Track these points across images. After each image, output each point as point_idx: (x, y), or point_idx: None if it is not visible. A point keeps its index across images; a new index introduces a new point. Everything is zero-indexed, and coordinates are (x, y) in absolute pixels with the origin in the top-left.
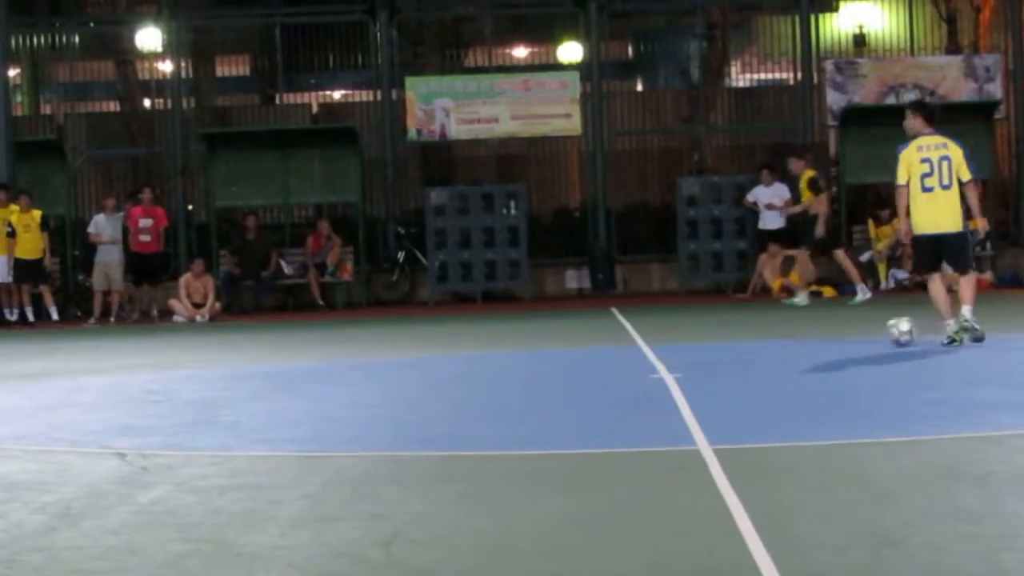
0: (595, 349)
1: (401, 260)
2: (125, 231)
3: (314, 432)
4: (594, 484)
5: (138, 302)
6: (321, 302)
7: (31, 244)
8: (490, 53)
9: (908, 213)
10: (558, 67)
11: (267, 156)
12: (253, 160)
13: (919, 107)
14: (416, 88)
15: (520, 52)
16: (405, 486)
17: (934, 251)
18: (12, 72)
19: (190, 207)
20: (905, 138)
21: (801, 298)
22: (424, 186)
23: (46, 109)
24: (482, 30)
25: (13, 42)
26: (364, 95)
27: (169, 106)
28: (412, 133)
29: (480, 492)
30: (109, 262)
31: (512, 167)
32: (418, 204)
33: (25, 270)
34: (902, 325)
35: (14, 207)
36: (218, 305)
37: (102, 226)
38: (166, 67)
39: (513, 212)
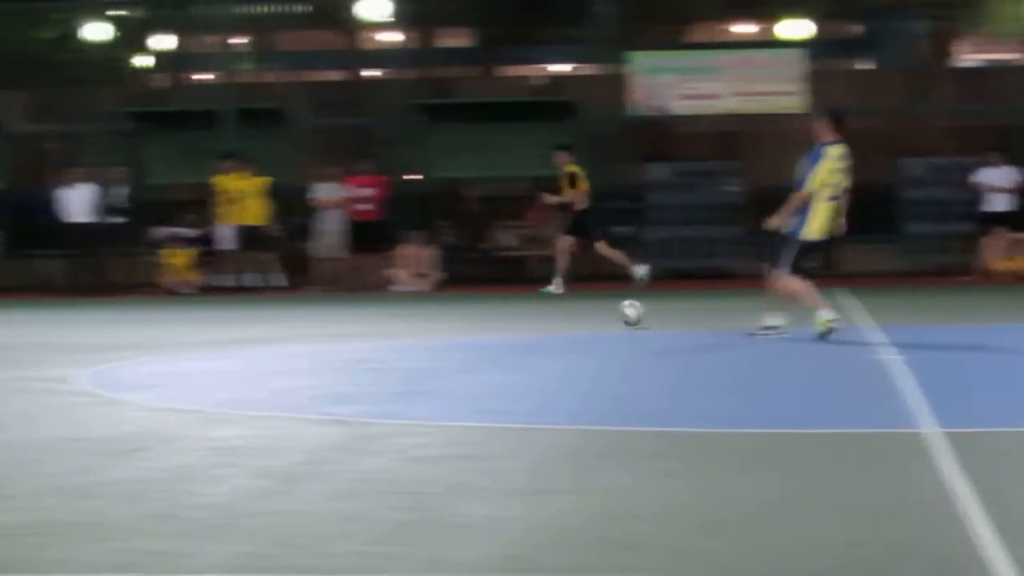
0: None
1: (619, 235)
2: (344, 200)
3: (528, 404)
4: (813, 464)
5: (358, 271)
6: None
7: (255, 211)
8: (711, 29)
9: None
10: (780, 44)
11: (487, 128)
12: (473, 131)
13: (832, 114)
14: (638, 63)
15: (742, 29)
16: (619, 460)
17: (818, 255)
18: (238, 40)
19: (410, 177)
20: None
21: None
22: (642, 161)
23: (270, 77)
24: (705, 6)
25: (240, 11)
26: (585, 69)
27: (391, 76)
28: (632, 108)
29: (694, 469)
30: (330, 230)
31: (730, 144)
32: (636, 180)
33: (248, 237)
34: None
35: (240, 175)
36: (437, 276)
37: (323, 194)
38: (388, 37)
39: (732, 189)
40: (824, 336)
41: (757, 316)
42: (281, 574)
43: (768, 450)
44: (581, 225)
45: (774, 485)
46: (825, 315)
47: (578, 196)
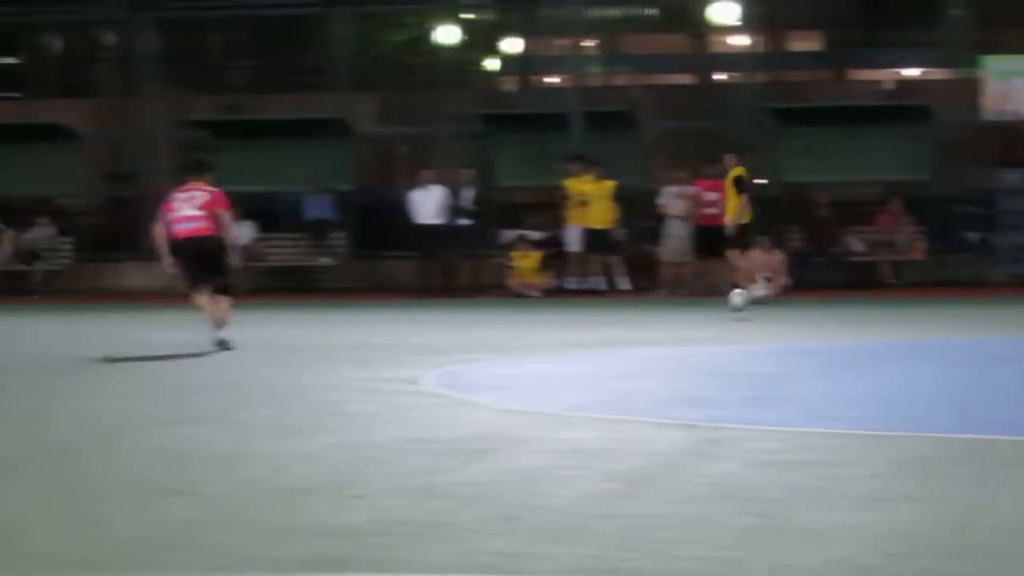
0: None
1: (972, 241)
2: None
3: (876, 411)
4: None
5: (703, 275)
6: (891, 280)
7: (601, 214)
8: None
9: None
10: None
11: (837, 132)
12: (823, 136)
13: None
14: (991, 67)
15: None
16: (971, 469)
17: None
18: (587, 43)
19: (760, 182)
20: None
21: None
22: (993, 167)
23: (619, 80)
24: None
25: (589, 14)
26: (935, 73)
27: (741, 80)
28: (985, 113)
29: None
30: (678, 234)
31: None
32: (987, 185)
33: (594, 240)
34: None
35: (587, 178)
36: (787, 281)
37: (670, 198)
38: (739, 40)
39: None
40: None
41: None
42: None
43: None
44: (745, 236)
45: None
46: None
47: (742, 205)
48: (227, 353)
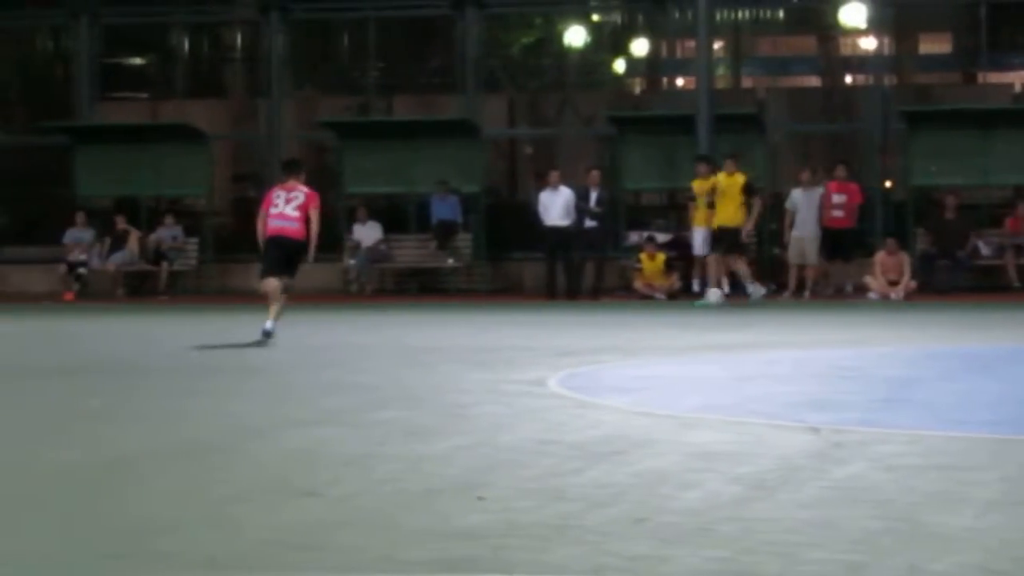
0: None
1: None
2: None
3: (1008, 415)
4: None
5: (832, 278)
6: (1018, 284)
7: (731, 211)
8: None
9: None
10: None
11: (967, 135)
12: (952, 139)
13: None
14: None
15: None
16: None
17: None
18: (715, 45)
19: (887, 184)
20: None
21: None
22: None
23: (747, 82)
24: None
25: (717, 16)
26: None
27: (870, 82)
28: None
29: None
30: (804, 237)
31: None
32: None
33: (723, 238)
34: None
35: (717, 176)
36: (913, 283)
37: (798, 200)
38: (868, 43)
39: None
40: None
41: None
42: None
43: None
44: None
45: None
46: None
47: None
48: (358, 355)
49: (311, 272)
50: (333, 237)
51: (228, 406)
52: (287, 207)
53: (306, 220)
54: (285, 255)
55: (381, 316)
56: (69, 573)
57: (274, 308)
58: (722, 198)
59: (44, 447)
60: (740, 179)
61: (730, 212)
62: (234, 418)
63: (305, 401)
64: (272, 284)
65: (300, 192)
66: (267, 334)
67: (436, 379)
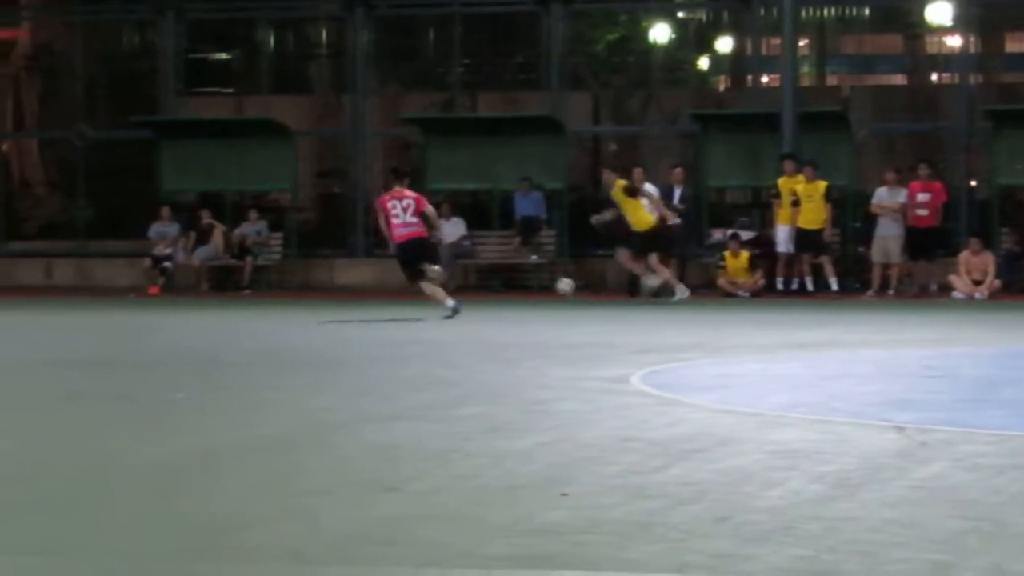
0: None
1: None
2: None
3: None
4: None
5: (916, 276)
6: None
7: (813, 214)
8: None
9: None
10: None
11: None
12: None
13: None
14: None
15: None
16: None
17: None
18: (800, 43)
19: (972, 183)
20: None
21: None
22: None
23: (832, 80)
24: None
25: (803, 14)
26: None
27: (955, 81)
28: None
29: None
30: (888, 235)
31: None
32: None
33: (805, 240)
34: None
35: (800, 177)
36: (997, 283)
37: (884, 198)
38: (954, 42)
39: None
40: None
41: None
42: None
43: None
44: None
45: None
46: None
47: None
48: (440, 350)
49: (392, 268)
50: None
51: (310, 401)
52: (406, 215)
53: (423, 219)
54: (417, 255)
55: (465, 312)
56: (152, 566)
57: (439, 294)
58: (805, 201)
59: (129, 440)
60: (822, 185)
61: (812, 214)
62: (315, 412)
63: (387, 396)
64: (428, 288)
65: (409, 199)
66: (455, 310)
67: (518, 375)
